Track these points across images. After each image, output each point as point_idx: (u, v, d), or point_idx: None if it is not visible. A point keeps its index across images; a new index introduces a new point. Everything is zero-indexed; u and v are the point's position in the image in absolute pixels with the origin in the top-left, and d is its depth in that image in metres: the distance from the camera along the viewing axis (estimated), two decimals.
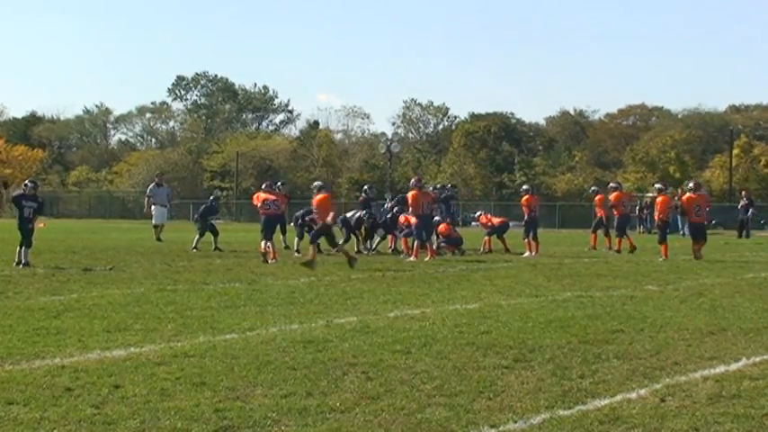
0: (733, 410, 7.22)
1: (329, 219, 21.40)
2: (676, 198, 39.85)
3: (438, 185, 32.18)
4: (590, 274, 19.72)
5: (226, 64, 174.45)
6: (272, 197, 23.68)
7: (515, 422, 6.83)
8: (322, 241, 22.23)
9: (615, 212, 28.84)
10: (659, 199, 26.34)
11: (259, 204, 23.57)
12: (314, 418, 6.89)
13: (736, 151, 72.91)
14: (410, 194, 24.53)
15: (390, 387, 7.90)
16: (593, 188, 33.08)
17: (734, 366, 9.01)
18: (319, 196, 21.84)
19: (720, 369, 8.85)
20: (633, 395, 7.70)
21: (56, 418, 6.80)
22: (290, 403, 7.29)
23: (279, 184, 28.02)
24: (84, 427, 6.61)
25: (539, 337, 10.66)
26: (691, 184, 26.58)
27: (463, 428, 6.68)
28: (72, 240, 31.91)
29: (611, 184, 31.58)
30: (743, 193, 46.10)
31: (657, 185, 28.34)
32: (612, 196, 29.29)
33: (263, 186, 24.64)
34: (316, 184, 23.16)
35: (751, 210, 43.58)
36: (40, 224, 28.69)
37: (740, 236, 41.36)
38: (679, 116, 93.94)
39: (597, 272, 20.21)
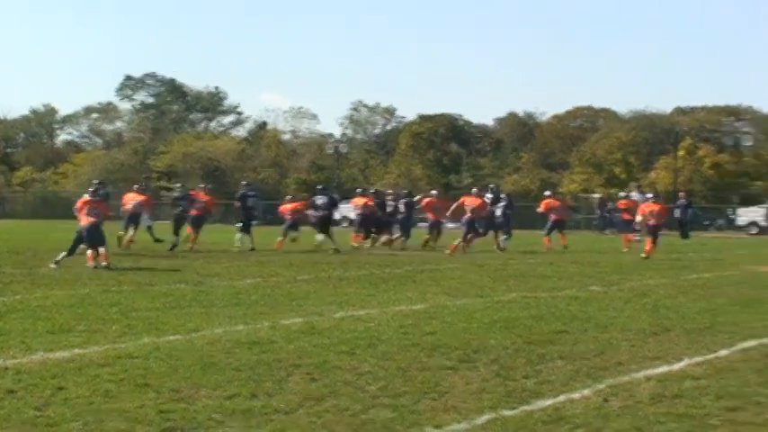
0: (675, 410, 7.30)
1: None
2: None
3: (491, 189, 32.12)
4: (535, 275, 19.86)
5: (174, 64, 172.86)
6: (142, 197, 26.47)
7: (459, 423, 6.86)
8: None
9: (553, 216, 30.47)
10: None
11: (128, 204, 26.47)
12: (258, 419, 6.88)
13: (681, 153, 73.70)
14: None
15: (335, 388, 7.90)
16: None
17: (676, 366, 9.12)
18: None
19: (663, 369, 8.96)
20: (577, 395, 7.76)
21: None
22: (234, 404, 7.27)
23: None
24: (26, 429, 6.56)
25: (483, 337, 10.71)
26: (649, 195, 31.50)
27: (407, 429, 6.70)
28: (16, 241, 31.54)
29: (545, 192, 34.05)
30: (680, 193, 46.60)
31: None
32: (544, 204, 31.27)
33: (135, 187, 27.48)
34: None
35: (690, 210, 44.02)
36: None
37: (682, 236, 41.90)
38: (626, 117, 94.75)
39: (542, 273, 20.37)
